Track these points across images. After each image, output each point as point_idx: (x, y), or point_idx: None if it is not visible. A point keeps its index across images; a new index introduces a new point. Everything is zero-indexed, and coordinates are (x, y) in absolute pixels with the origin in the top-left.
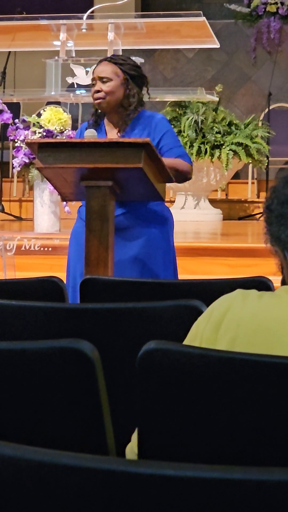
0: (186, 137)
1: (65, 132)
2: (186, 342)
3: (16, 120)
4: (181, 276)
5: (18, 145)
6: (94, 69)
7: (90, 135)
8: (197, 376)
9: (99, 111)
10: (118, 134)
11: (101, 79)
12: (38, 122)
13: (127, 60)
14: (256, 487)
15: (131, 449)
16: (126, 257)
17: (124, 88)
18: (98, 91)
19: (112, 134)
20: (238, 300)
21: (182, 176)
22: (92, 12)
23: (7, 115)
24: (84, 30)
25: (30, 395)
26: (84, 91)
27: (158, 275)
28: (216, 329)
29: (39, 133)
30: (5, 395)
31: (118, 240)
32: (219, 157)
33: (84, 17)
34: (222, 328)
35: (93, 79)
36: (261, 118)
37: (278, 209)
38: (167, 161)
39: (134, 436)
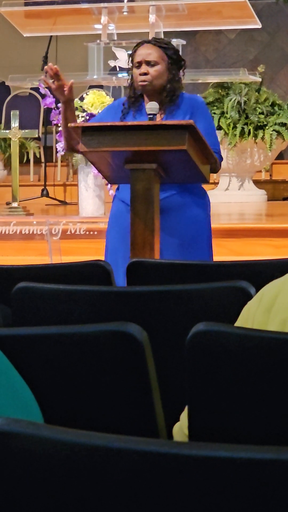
0: (229, 118)
1: None
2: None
3: (59, 104)
4: (227, 257)
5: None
6: (136, 51)
7: (154, 107)
8: (247, 357)
9: (139, 92)
10: (159, 116)
11: (148, 62)
12: (81, 106)
13: (169, 44)
14: None
15: (180, 429)
16: (172, 241)
17: (168, 73)
18: (145, 74)
19: None
20: None
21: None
22: None
23: (50, 100)
24: (125, 13)
25: (81, 379)
26: (126, 74)
27: (203, 257)
28: (267, 312)
29: (82, 117)
30: (55, 379)
31: (163, 223)
32: (262, 138)
33: (125, 0)
34: (273, 311)
35: (138, 62)
36: None
37: None
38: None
39: (183, 416)
